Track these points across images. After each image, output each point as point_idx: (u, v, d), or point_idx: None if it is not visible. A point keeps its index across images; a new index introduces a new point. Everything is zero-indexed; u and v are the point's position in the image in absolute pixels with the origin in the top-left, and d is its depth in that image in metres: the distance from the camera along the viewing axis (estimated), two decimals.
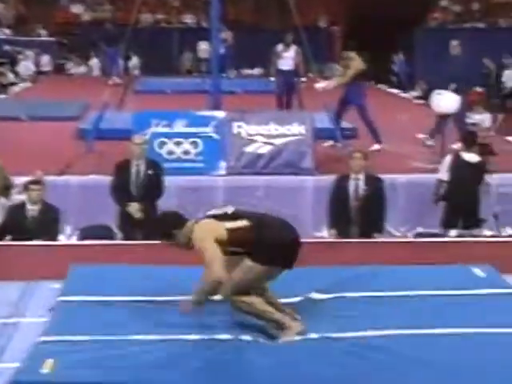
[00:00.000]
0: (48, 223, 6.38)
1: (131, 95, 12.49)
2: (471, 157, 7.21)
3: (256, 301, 3.97)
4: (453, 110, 8.85)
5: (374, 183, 6.79)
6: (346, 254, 5.56)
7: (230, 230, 3.95)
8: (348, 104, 9.46)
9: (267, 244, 3.93)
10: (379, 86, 17.73)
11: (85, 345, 3.81)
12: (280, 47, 11.19)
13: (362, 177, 6.73)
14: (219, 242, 3.90)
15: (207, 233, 3.93)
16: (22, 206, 6.41)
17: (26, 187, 6.43)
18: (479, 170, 7.22)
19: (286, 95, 11.19)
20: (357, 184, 6.72)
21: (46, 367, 3.53)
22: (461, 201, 7.18)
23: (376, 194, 6.76)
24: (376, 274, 4.82)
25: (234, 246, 3.95)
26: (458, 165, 7.25)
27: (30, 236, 6.13)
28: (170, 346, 3.83)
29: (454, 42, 9.57)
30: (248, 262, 3.93)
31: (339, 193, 6.82)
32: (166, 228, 4.10)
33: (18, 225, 6.33)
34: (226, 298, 3.98)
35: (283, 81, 11.13)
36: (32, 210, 6.34)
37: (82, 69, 19.91)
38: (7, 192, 6.77)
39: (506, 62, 17.68)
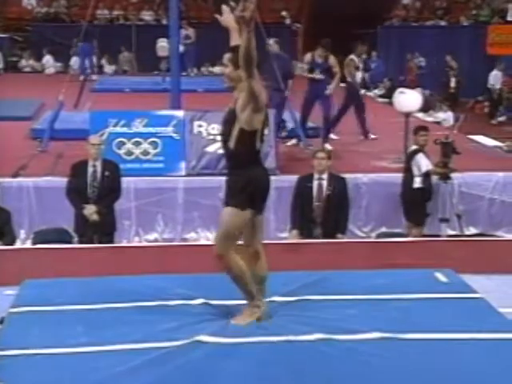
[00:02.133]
0: None
1: (88, 94, 12.21)
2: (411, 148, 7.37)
3: (243, 269, 3.95)
4: (415, 109, 8.83)
5: (337, 183, 6.71)
6: (309, 256, 5.47)
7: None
8: (315, 101, 9.39)
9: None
10: (342, 84, 17.69)
11: (39, 361, 3.62)
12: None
13: (325, 176, 6.65)
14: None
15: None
16: None
17: None
18: (409, 160, 7.32)
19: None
20: (320, 184, 6.64)
21: None
22: (403, 193, 7.36)
23: (340, 193, 6.69)
24: (339, 278, 4.74)
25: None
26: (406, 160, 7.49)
27: None
28: (130, 356, 3.65)
29: (272, 40, 9.57)
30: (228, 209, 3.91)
31: (302, 193, 6.74)
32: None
33: None
34: (220, 252, 3.90)
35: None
36: None
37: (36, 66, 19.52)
38: None
39: (416, 61, 17.67)
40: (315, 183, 6.65)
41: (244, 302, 4.09)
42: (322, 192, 6.64)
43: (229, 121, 3.91)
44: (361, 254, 5.56)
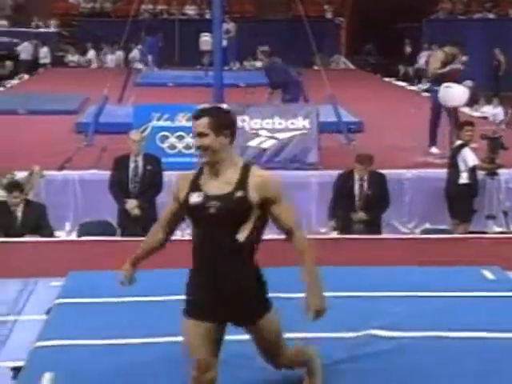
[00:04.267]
0: (34, 222, 6.19)
1: (131, 88, 12.31)
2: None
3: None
4: (462, 103, 8.65)
5: (377, 181, 6.73)
6: (350, 251, 5.42)
7: None
8: None
9: None
10: (386, 79, 17.53)
11: (84, 352, 3.67)
12: None
13: (366, 177, 6.65)
14: None
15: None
16: (4, 205, 6.21)
17: (6, 189, 6.25)
18: (454, 155, 7.23)
19: None
20: (361, 184, 6.66)
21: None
22: (448, 189, 7.27)
23: (380, 191, 6.70)
24: (386, 274, 4.72)
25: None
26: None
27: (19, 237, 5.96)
28: (170, 348, 3.65)
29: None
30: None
31: (343, 191, 6.73)
32: (223, 119, 2.97)
33: (4, 225, 6.17)
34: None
35: None
36: (16, 210, 6.18)
37: (82, 61, 19.84)
38: None
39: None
40: (357, 183, 6.64)
41: None
42: (363, 189, 6.64)
43: None
44: (406, 251, 5.50)
